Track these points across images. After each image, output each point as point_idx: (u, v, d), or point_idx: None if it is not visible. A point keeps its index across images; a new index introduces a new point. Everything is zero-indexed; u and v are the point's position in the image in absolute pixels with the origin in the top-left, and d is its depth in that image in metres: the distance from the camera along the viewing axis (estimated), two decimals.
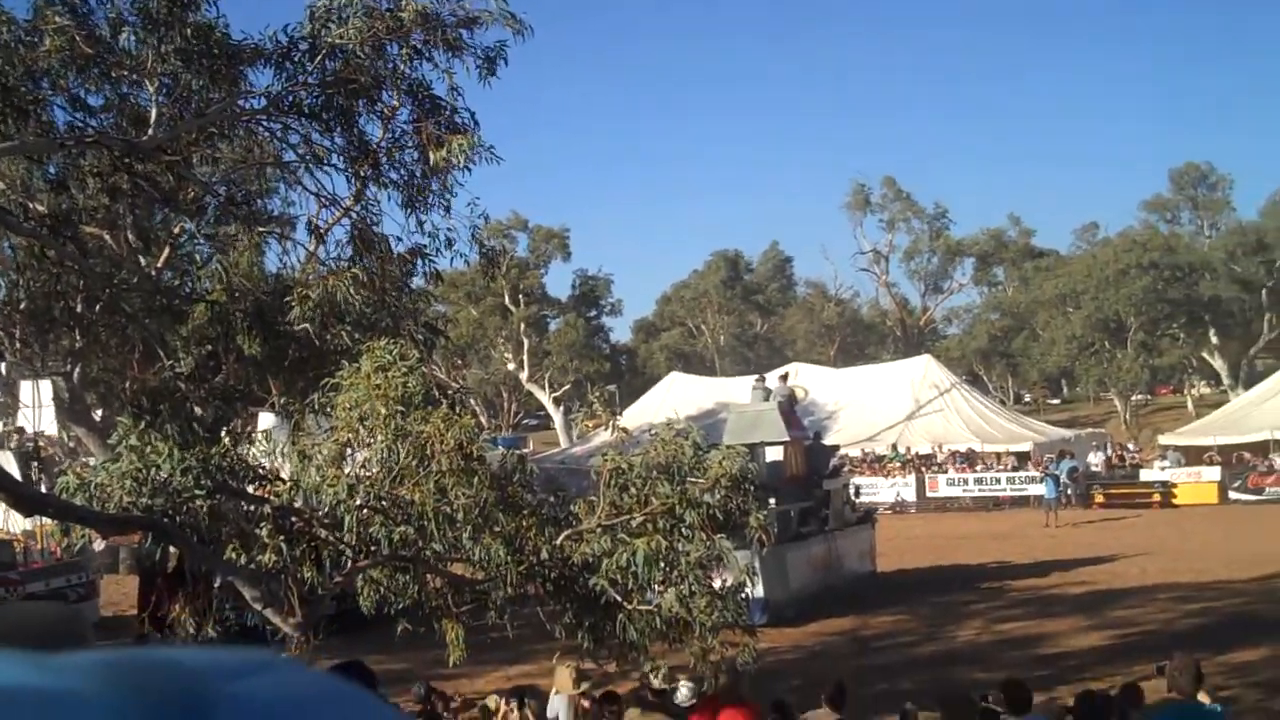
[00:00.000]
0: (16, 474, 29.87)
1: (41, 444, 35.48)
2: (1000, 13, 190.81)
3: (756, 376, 36.98)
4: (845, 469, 39.48)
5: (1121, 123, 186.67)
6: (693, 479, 12.83)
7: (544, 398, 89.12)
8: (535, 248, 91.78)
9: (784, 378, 38.83)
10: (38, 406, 34.93)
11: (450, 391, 13.76)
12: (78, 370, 26.27)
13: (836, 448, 39.07)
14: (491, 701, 16.12)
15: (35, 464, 34.26)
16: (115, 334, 20.82)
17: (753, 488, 13.64)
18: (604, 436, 16.62)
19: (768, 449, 29.28)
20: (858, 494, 37.17)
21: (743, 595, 13.34)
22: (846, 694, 13.67)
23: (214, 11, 15.35)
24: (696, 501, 12.57)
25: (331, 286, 14.33)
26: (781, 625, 25.76)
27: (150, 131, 14.58)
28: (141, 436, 11.78)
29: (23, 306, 22.42)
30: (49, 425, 35.62)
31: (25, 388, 36.20)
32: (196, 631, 12.48)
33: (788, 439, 30.02)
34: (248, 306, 16.35)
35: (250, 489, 12.99)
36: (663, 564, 12.36)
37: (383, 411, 11.69)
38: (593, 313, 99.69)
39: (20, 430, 36.79)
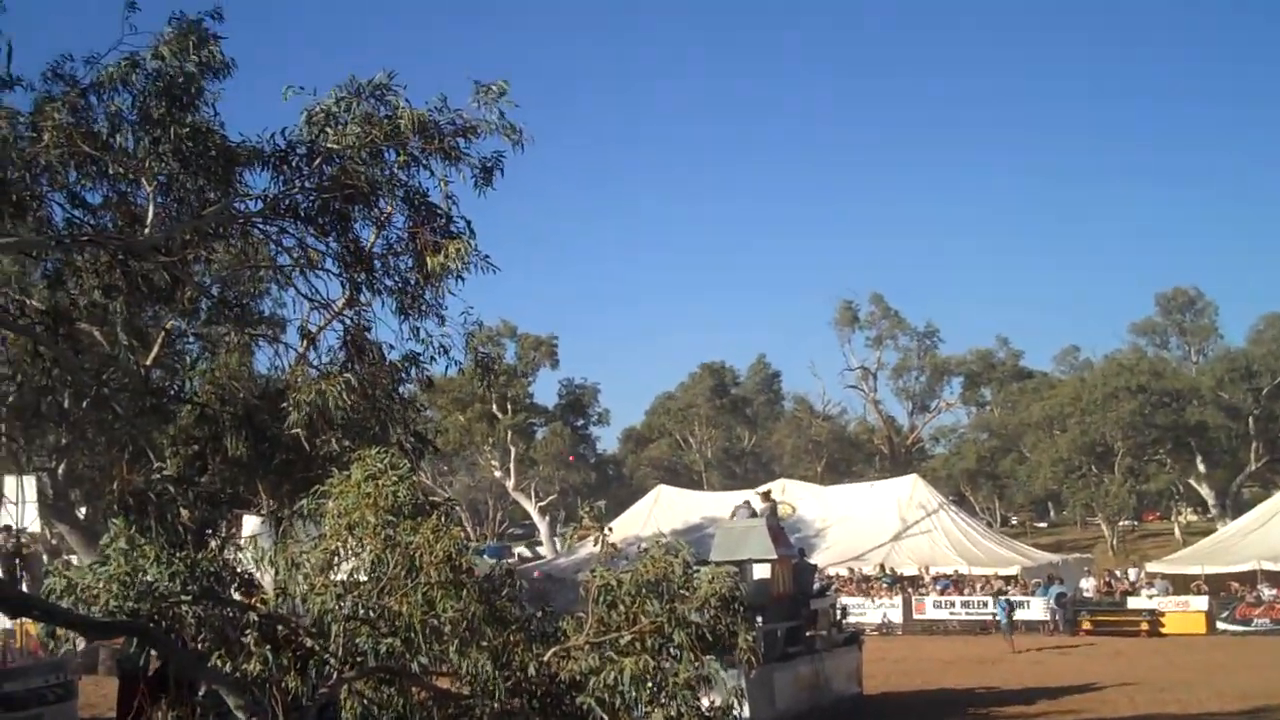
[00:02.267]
0: None
1: (24, 540, 35.05)
2: (977, 132, 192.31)
3: (743, 501, 36.53)
4: (833, 588, 39.16)
5: (1109, 245, 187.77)
6: (682, 597, 12.69)
7: (529, 506, 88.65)
8: (523, 355, 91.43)
9: (767, 495, 38.49)
10: (21, 502, 34.54)
11: (439, 502, 13.58)
12: (63, 467, 26.10)
13: (816, 567, 38.67)
14: None
15: (18, 561, 33.89)
16: (102, 431, 20.68)
17: (742, 608, 13.47)
18: (590, 548, 16.53)
19: (755, 566, 29.02)
20: (845, 614, 36.72)
21: (731, 717, 13.13)
22: None
23: (211, 113, 15.38)
24: (685, 620, 12.41)
25: (324, 391, 14.20)
26: None
27: (147, 231, 14.55)
28: (130, 540, 11.62)
29: (10, 401, 22.32)
30: (32, 522, 35.17)
31: (9, 483, 35.82)
32: None
33: (775, 557, 29.72)
34: (237, 409, 16.24)
35: (236, 594, 12.80)
36: (650, 683, 12.17)
37: (372, 521, 11.56)
38: (579, 422, 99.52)
39: (6, 528, 36.34)
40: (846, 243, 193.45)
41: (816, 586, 33.38)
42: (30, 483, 33.31)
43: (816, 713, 29.04)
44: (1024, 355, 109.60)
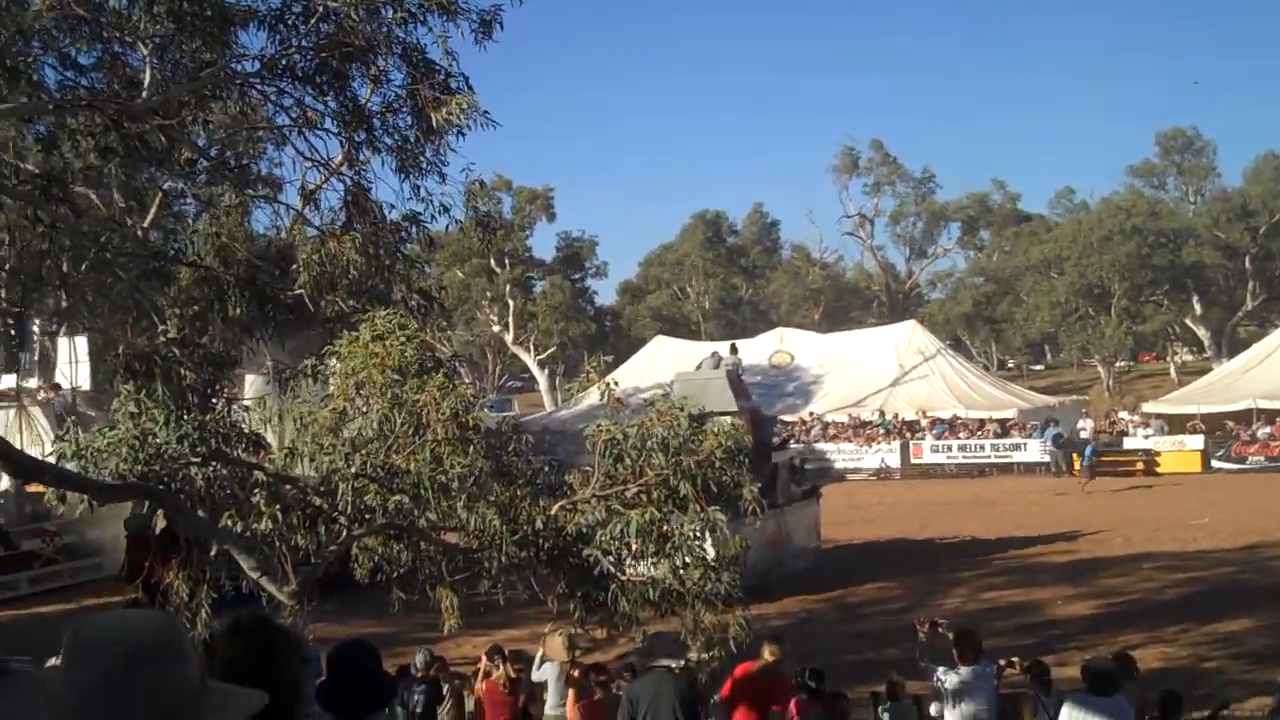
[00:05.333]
0: (49, 430, 29.87)
1: (76, 400, 35.09)
2: None
3: (711, 353, 35.93)
4: (791, 440, 38.62)
5: (1109, 85, 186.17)
6: (688, 450, 12.80)
7: (529, 360, 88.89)
8: (519, 209, 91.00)
9: (733, 348, 38.17)
10: (74, 362, 34.62)
11: (445, 360, 13.70)
12: (64, 330, 26.16)
13: (776, 419, 38.18)
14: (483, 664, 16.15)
15: (72, 419, 34.06)
16: (103, 295, 20.69)
17: (746, 460, 13.62)
18: (591, 400, 16.68)
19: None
20: (804, 465, 36.08)
21: (738, 565, 13.31)
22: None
23: None
24: (690, 473, 12.54)
25: (335, 251, 14.20)
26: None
27: (144, 94, 14.44)
28: (138, 403, 11.72)
29: (8, 267, 22.29)
30: (85, 381, 35.18)
31: (62, 345, 35.67)
32: (190, 598, 12.43)
33: (735, 409, 29.17)
34: (238, 270, 16.24)
35: (243, 455, 12.92)
36: (656, 535, 12.33)
37: (380, 380, 11.66)
38: (577, 275, 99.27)
39: (56, 386, 36.23)
40: (842, 88, 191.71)
41: (777, 440, 32.92)
42: (82, 343, 33.36)
43: (779, 569, 28.80)
44: (1021, 198, 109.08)
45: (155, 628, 2.64)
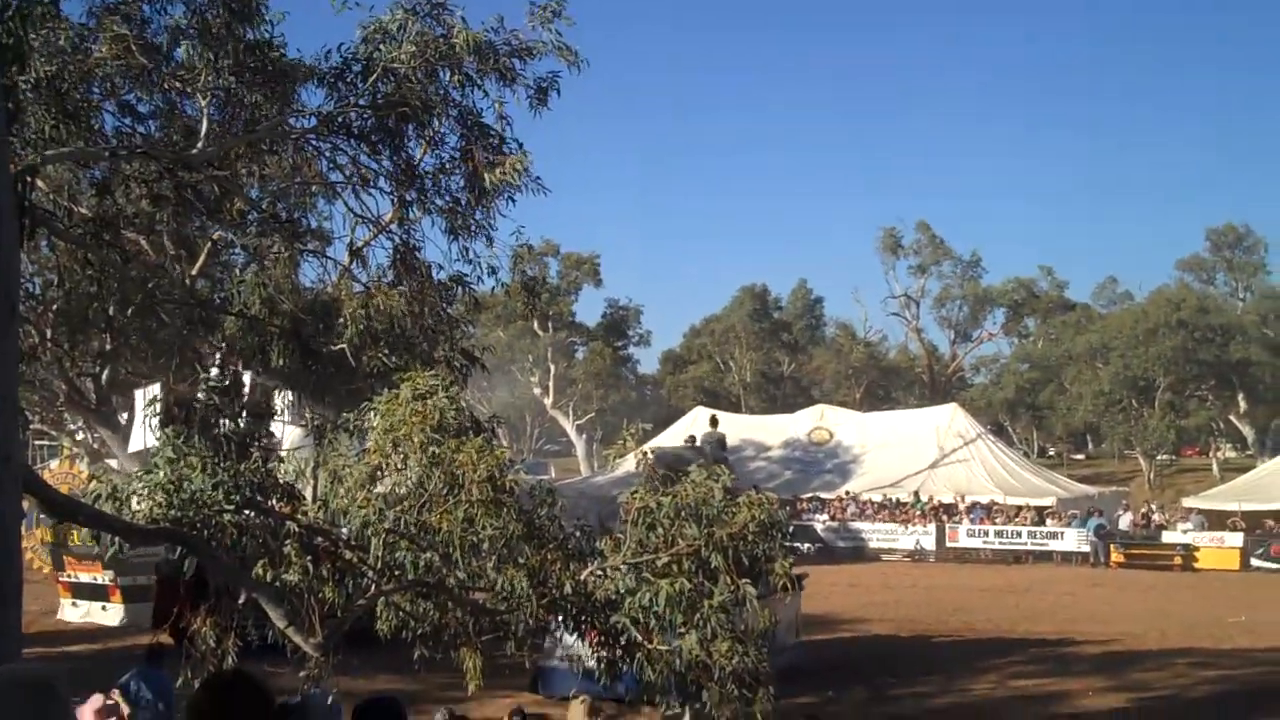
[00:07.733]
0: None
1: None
2: (1044, 62, 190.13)
3: (688, 435, 35.05)
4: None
5: (1161, 178, 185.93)
6: (721, 521, 12.77)
7: (567, 424, 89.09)
8: (566, 274, 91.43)
9: (714, 421, 37.37)
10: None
11: (485, 421, 13.73)
12: (106, 373, 26.31)
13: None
14: None
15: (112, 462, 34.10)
16: (147, 339, 20.88)
17: (780, 535, 13.57)
18: (627, 467, 16.88)
19: None
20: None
21: (765, 641, 13.25)
22: None
23: (271, 30, 15.43)
24: (723, 545, 12.50)
25: (383, 305, 14.32)
26: None
27: (200, 144, 14.62)
28: (176, 449, 11.79)
29: (55, 308, 22.52)
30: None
31: (138, 395, 35.31)
32: (216, 645, 12.44)
33: None
34: (283, 321, 16.37)
35: (276, 506, 12.96)
36: (686, 606, 12.28)
37: (418, 439, 11.67)
38: (620, 342, 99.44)
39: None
40: (891, 169, 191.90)
41: None
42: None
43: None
44: (1068, 286, 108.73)
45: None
